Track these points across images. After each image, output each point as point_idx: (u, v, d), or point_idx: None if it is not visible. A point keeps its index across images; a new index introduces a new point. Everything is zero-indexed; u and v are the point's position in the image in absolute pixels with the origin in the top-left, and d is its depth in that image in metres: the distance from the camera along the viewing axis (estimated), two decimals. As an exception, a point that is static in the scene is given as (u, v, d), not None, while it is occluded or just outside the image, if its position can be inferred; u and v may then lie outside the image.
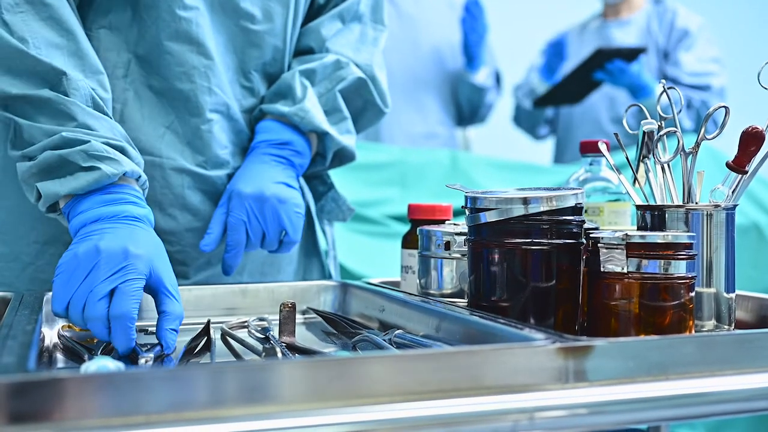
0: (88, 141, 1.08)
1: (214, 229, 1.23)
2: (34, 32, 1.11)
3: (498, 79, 3.31)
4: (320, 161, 1.38)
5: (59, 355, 0.97)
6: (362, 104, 1.39)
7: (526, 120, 3.44)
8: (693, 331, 0.94)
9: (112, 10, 1.21)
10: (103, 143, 1.09)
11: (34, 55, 1.10)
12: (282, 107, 1.30)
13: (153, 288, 1.01)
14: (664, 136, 1.04)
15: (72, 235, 1.07)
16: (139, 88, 1.24)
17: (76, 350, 0.96)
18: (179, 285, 1.09)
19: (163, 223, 1.25)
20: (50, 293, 1.09)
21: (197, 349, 1.00)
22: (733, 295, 1.00)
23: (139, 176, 1.12)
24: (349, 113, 1.36)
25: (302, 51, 1.38)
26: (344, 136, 1.35)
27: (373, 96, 1.38)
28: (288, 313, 1.07)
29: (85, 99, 1.12)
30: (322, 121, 1.31)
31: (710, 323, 0.99)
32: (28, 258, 1.24)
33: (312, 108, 1.30)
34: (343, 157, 1.38)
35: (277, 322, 1.08)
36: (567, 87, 3.08)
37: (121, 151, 1.11)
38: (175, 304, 1.01)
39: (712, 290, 0.99)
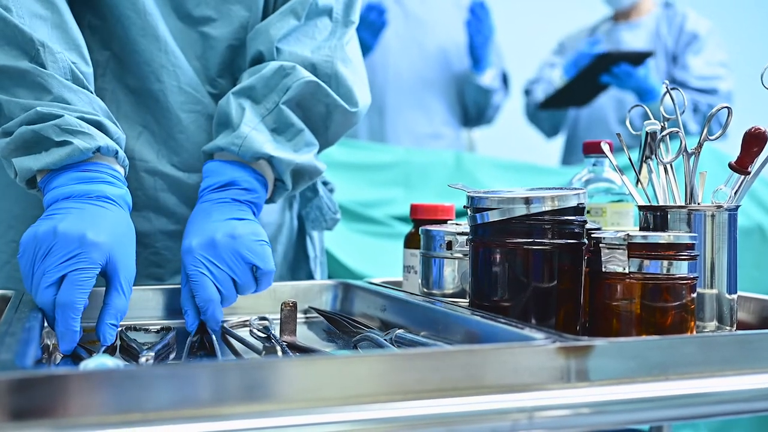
0: (62, 115, 1.05)
1: (186, 306, 1.09)
2: (18, 1, 1.09)
3: (505, 79, 3.30)
4: (281, 187, 1.23)
5: (59, 355, 0.97)
6: (324, 109, 1.23)
7: (543, 119, 3.42)
8: (694, 332, 0.94)
9: (89, 10, 1.20)
10: (78, 117, 1.06)
11: (16, 24, 1.07)
12: (219, 141, 1.17)
13: (107, 277, 0.99)
14: (668, 136, 1.04)
15: (45, 210, 1.04)
16: (116, 87, 1.23)
17: (77, 351, 0.95)
18: (173, 287, 1.09)
19: (137, 225, 1.18)
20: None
21: (196, 347, 1.00)
22: (735, 296, 1.00)
23: (116, 152, 1.08)
24: (313, 121, 1.23)
25: (253, 59, 1.25)
26: (300, 153, 1.21)
27: (332, 97, 1.22)
28: (289, 312, 1.07)
29: (64, 72, 1.09)
30: (263, 143, 1.17)
31: (712, 324, 0.98)
32: (4, 256, 1.23)
33: (250, 132, 1.16)
34: (306, 174, 1.24)
35: (278, 321, 1.08)
36: (573, 90, 3.08)
37: (98, 126, 1.07)
38: (121, 298, 0.99)
39: (714, 291, 0.98)
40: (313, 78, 1.21)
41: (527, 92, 3.45)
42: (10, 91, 1.08)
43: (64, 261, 0.95)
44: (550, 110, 3.29)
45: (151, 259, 1.26)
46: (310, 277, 1.47)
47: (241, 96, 1.20)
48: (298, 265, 1.46)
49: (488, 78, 3.15)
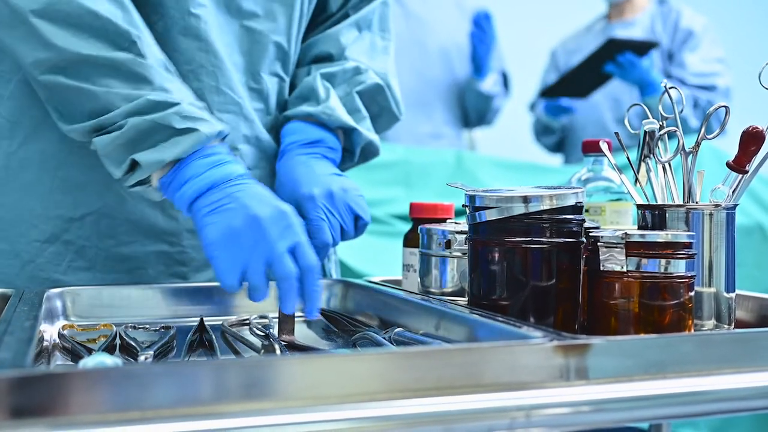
0: (178, 103, 1.06)
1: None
2: (95, 1, 1.08)
3: (506, 80, 3.31)
4: (348, 157, 1.37)
5: (59, 354, 0.97)
6: (377, 110, 1.38)
7: (543, 132, 3.43)
8: (692, 331, 0.94)
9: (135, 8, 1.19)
10: (189, 104, 1.07)
11: (108, 17, 1.07)
12: (307, 108, 1.30)
13: None
14: (666, 135, 1.04)
15: (183, 206, 1.07)
16: None
17: (76, 350, 0.96)
18: (173, 285, 1.14)
19: (164, 223, 1.24)
20: (51, 290, 1.10)
21: (195, 346, 1.00)
22: (733, 295, 1.00)
23: (225, 135, 1.12)
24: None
25: (321, 57, 1.39)
26: (369, 132, 1.35)
27: (388, 102, 1.39)
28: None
29: (159, 62, 1.11)
30: (348, 118, 1.31)
31: (710, 323, 0.99)
32: (27, 256, 1.23)
33: (336, 107, 1.30)
34: (368, 153, 1.38)
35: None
36: (577, 78, 3.06)
37: (204, 110, 1.10)
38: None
39: (712, 290, 0.99)
40: (381, 81, 1.36)
41: (532, 107, 3.46)
42: (101, 82, 1.07)
43: (285, 235, 1.01)
44: (552, 98, 3.27)
45: (176, 258, 1.27)
46: (323, 272, 1.48)
47: (324, 78, 1.32)
48: None
49: (489, 84, 3.16)
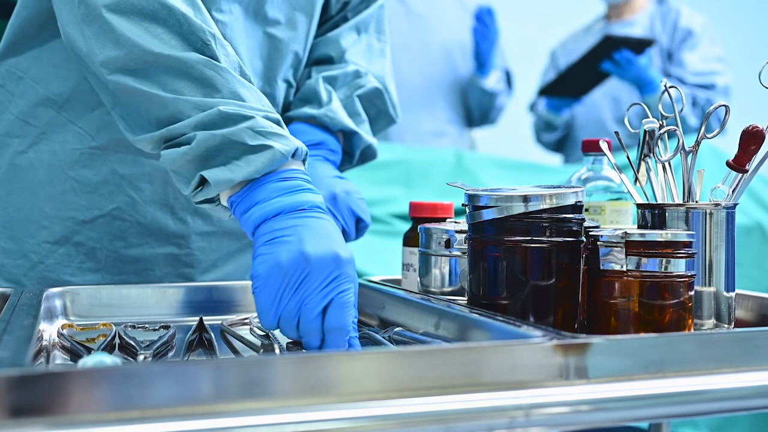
0: (252, 117, 0.97)
1: None
2: None
3: (509, 78, 3.30)
4: (347, 160, 1.39)
5: (58, 353, 0.97)
6: (375, 113, 1.40)
7: (545, 129, 3.42)
8: (692, 330, 0.94)
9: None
10: (264, 117, 0.99)
11: (183, 12, 1.01)
12: (310, 110, 1.31)
13: None
14: (666, 134, 1.04)
15: (248, 230, 0.98)
16: None
17: (75, 349, 0.96)
18: (173, 285, 1.15)
19: (173, 226, 1.25)
20: (51, 289, 1.10)
21: (194, 345, 1.00)
22: (732, 294, 1.00)
23: (305, 154, 1.02)
24: None
25: (322, 60, 1.40)
26: (368, 135, 1.37)
27: (386, 105, 1.40)
28: None
29: (233, 65, 1.04)
30: (349, 121, 1.32)
31: (710, 322, 0.99)
32: (36, 257, 1.22)
33: (338, 110, 1.32)
34: (367, 156, 1.40)
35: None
36: (574, 76, 3.06)
37: (279, 124, 1.01)
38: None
39: (712, 289, 0.99)
40: (380, 85, 1.38)
41: (532, 107, 3.45)
42: (170, 87, 1.00)
43: (326, 285, 0.91)
44: (550, 97, 3.26)
45: (183, 260, 1.28)
46: None
47: (326, 81, 1.34)
48: None
49: (492, 81, 3.16)
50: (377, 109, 1.40)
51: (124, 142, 1.18)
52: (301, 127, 1.31)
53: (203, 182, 0.99)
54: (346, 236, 1.24)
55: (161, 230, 1.25)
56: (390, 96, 1.41)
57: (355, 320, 0.95)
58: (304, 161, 1.02)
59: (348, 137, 1.36)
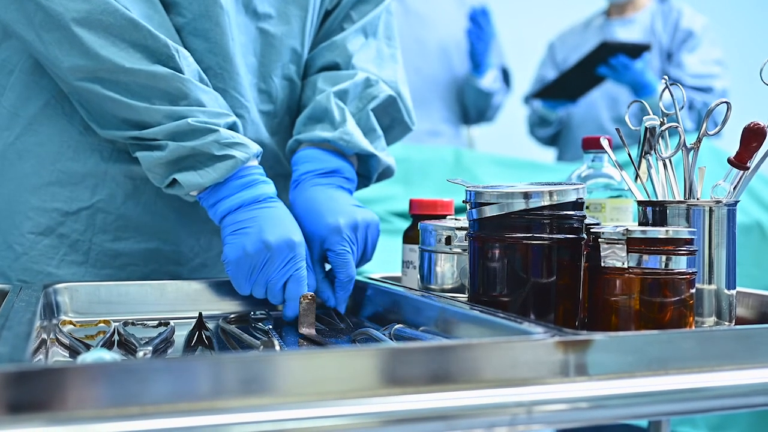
0: (217, 130, 1.11)
1: (323, 285, 1.20)
2: (132, 3, 1.11)
3: (506, 76, 3.30)
4: (363, 183, 1.34)
5: (57, 350, 0.97)
6: (389, 122, 1.35)
7: (539, 124, 3.42)
8: (693, 327, 0.94)
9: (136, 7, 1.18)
10: (227, 127, 1.13)
11: (149, 28, 1.09)
12: (322, 133, 1.25)
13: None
14: (666, 132, 1.04)
15: (215, 219, 1.15)
16: None
17: (74, 346, 0.95)
18: (171, 281, 1.17)
19: (158, 221, 1.24)
20: (49, 287, 1.10)
21: (194, 342, 1.00)
22: (733, 292, 1.00)
23: (260, 153, 1.17)
24: None
25: (328, 67, 1.34)
26: (383, 154, 1.31)
27: (401, 113, 1.35)
28: (308, 305, 1.09)
29: (194, 73, 1.14)
30: (366, 143, 1.27)
31: (711, 320, 0.98)
32: (20, 248, 1.22)
33: (354, 131, 1.25)
34: (386, 174, 1.36)
35: (278, 316, 1.08)
36: (569, 80, 3.06)
37: (235, 127, 1.16)
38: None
39: (713, 287, 0.98)
40: (393, 93, 1.33)
41: (527, 99, 3.44)
42: (139, 95, 1.11)
43: (284, 266, 1.11)
44: (544, 100, 3.26)
45: (169, 256, 1.27)
46: None
47: (337, 96, 1.28)
48: None
49: (488, 80, 3.15)
50: (391, 117, 1.35)
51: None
52: (312, 153, 1.26)
53: (175, 181, 1.15)
54: (358, 263, 1.21)
55: (145, 225, 1.24)
56: (404, 103, 1.36)
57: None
58: (257, 156, 1.17)
59: (364, 160, 1.31)
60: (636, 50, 2.93)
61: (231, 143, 1.12)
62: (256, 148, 1.15)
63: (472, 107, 3.23)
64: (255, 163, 1.16)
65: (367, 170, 1.32)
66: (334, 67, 1.34)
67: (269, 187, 1.16)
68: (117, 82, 1.10)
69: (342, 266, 1.17)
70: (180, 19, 1.19)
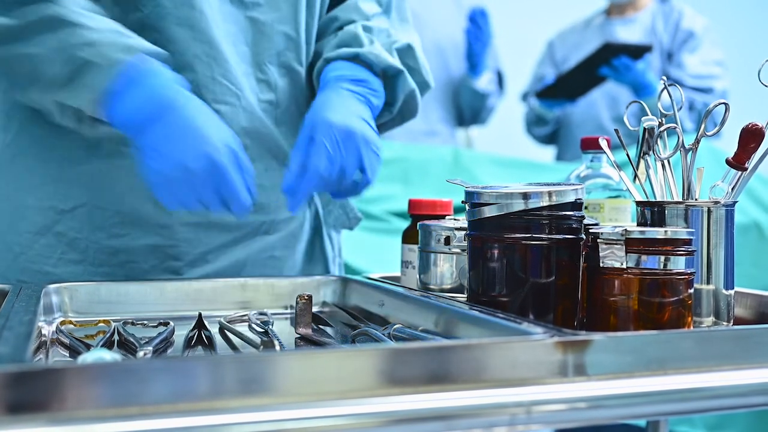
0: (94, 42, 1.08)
1: (294, 161, 1.13)
2: None
3: (500, 79, 3.30)
4: (387, 110, 1.32)
5: (57, 349, 0.97)
6: (408, 72, 1.33)
7: (536, 122, 3.41)
8: (691, 327, 0.94)
9: (131, 1, 1.19)
10: (110, 43, 1.09)
11: None
12: (352, 49, 1.26)
13: None
14: (665, 132, 1.04)
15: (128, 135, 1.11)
16: None
17: (74, 346, 0.95)
18: (171, 281, 1.15)
19: (155, 215, 1.23)
20: (49, 286, 1.10)
21: (194, 342, 1.00)
22: (732, 292, 1.00)
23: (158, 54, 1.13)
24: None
25: (347, 22, 1.34)
26: (412, 80, 1.31)
27: (418, 65, 1.33)
28: (304, 306, 1.08)
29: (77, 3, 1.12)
30: (395, 60, 1.27)
31: (709, 320, 0.99)
32: (19, 248, 1.22)
33: (381, 52, 1.26)
34: (407, 110, 1.34)
35: (278, 316, 1.09)
36: (571, 80, 3.06)
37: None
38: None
39: (711, 287, 0.98)
40: (412, 42, 1.32)
41: (524, 97, 3.44)
42: (37, 41, 1.10)
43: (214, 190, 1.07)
44: (546, 100, 3.26)
45: (168, 252, 1.26)
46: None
47: (365, 30, 1.29)
48: (314, 265, 1.45)
49: (484, 82, 3.15)
50: (409, 68, 1.32)
51: (106, 133, 1.18)
52: (341, 63, 1.26)
53: (92, 120, 1.14)
54: (343, 181, 1.15)
55: (143, 220, 1.23)
56: (421, 58, 1.35)
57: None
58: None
59: (390, 81, 1.29)
60: (638, 51, 2.94)
61: (117, 59, 1.08)
62: (143, 46, 1.11)
63: (467, 108, 3.23)
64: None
65: (393, 93, 1.30)
66: (352, 24, 1.33)
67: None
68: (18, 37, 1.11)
69: (314, 154, 1.11)
70: (161, 9, 1.18)
